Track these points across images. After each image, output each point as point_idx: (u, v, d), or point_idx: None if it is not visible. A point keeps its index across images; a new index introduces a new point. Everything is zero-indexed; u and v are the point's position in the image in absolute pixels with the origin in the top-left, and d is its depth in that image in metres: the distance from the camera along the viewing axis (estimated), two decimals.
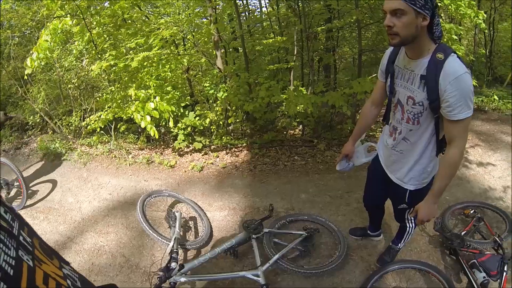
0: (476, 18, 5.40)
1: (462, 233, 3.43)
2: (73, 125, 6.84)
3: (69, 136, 6.79)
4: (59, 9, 5.13)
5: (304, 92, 5.96)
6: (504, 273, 2.78)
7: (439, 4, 6.18)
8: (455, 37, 5.41)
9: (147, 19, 6.26)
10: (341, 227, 3.71)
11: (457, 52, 1.85)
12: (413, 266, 2.94)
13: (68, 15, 5.13)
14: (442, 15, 9.85)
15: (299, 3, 6.94)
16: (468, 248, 3.16)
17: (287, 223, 3.81)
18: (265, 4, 9.66)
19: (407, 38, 1.79)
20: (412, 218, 2.69)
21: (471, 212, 3.76)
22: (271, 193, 4.60)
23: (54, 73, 7.08)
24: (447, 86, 1.77)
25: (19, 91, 7.24)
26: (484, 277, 2.76)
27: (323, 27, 6.61)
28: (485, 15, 5.63)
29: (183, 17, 6.61)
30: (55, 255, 0.84)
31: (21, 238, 0.69)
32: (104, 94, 6.19)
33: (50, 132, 7.04)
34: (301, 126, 6.73)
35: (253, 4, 8.78)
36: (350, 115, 6.25)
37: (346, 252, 3.34)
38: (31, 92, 7.22)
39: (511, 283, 2.87)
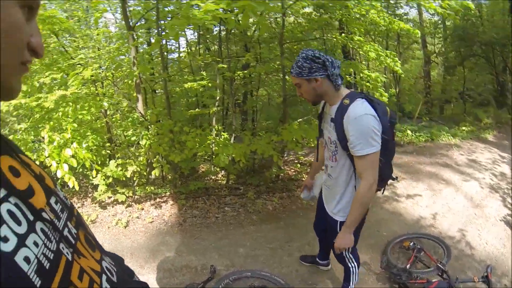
0: (394, 65, 6.13)
1: (407, 266, 3.58)
2: None
3: None
4: None
5: (226, 137, 5.96)
6: None
7: (361, 53, 6.93)
8: (379, 84, 6.06)
9: (65, 51, 5.64)
10: (287, 279, 3.59)
11: (370, 97, 2.18)
12: None
13: None
14: (363, 62, 11.02)
15: (222, 47, 7.03)
16: (416, 279, 3.31)
17: (231, 282, 3.57)
18: (185, 45, 9.55)
19: (314, 98, 2.25)
20: (352, 257, 2.78)
21: (411, 244, 3.97)
22: (207, 250, 4.30)
23: None
24: (348, 126, 2.07)
25: None
26: None
27: (246, 71, 6.72)
28: (399, 62, 6.43)
29: (103, 52, 6.13)
30: (98, 248, 0.83)
31: (65, 230, 0.69)
32: (11, 134, 5.34)
33: None
34: (223, 171, 6.57)
35: (171, 44, 8.51)
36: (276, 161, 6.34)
37: None
38: None
39: None
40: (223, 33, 6.85)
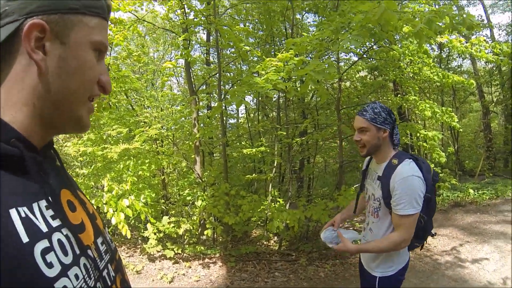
0: (451, 121, 5.84)
1: None
2: None
3: None
4: None
5: (282, 203, 5.84)
6: None
7: (416, 112, 6.75)
8: (436, 143, 5.76)
9: (132, 109, 6.04)
10: None
11: (416, 156, 2.22)
12: None
13: None
14: (419, 122, 10.68)
15: (281, 113, 7.14)
16: None
17: None
18: (244, 111, 9.85)
19: (373, 149, 2.22)
20: None
21: None
22: None
23: None
24: (395, 185, 2.08)
25: None
26: None
27: (303, 138, 6.69)
28: (456, 117, 6.14)
29: (166, 113, 6.50)
30: None
31: (105, 271, 0.71)
32: (74, 176, 5.57)
33: None
34: (276, 237, 6.36)
35: (231, 110, 8.85)
36: None
37: None
38: None
39: None
40: (282, 100, 7.02)
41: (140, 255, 5.37)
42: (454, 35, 5.51)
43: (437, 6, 6.17)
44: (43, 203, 0.59)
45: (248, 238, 6.53)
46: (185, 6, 5.67)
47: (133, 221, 5.27)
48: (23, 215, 0.54)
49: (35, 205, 0.57)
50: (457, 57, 12.11)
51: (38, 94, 0.61)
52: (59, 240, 0.58)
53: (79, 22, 0.62)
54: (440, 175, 6.65)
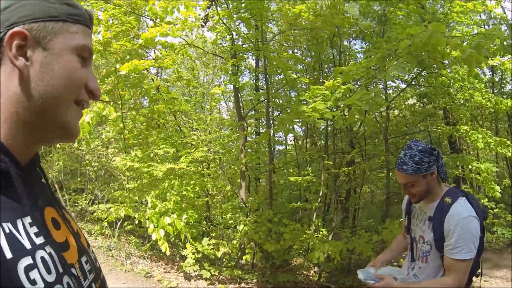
0: (506, 152, 5.52)
1: None
2: (80, 206, 6.57)
3: (72, 213, 6.34)
4: (104, 93, 5.22)
5: (325, 233, 5.76)
6: None
7: (468, 141, 6.37)
8: (489, 176, 5.45)
9: (180, 130, 6.28)
10: None
11: (466, 192, 2.04)
12: None
13: (112, 103, 5.16)
14: (471, 152, 10.02)
15: (328, 142, 7.05)
16: None
17: None
18: (292, 138, 9.87)
19: (424, 194, 2.04)
20: None
21: None
22: None
23: (78, 149, 6.95)
24: (450, 227, 1.92)
25: (41, 149, 7.02)
26: None
27: (350, 168, 6.53)
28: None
29: (213, 136, 6.69)
30: None
31: None
32: (119, 190, 6.00)
33: None
34: (316, 268, 6.18)
35: (278, 136, 8.91)
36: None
37: None
38: (51, 156, 7.10)
39: None
40: (330, 128, 6.96)
41: (176, 272, 5.44)
42: (506, 57, 5.20)
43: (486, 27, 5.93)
44: (27, 220, 0.59)
45: (288, 266, 6.39)
46: (233, 32, 5.87)
47: (173, 239, 5.34)
48: (7, 231, 0.54)
49: (19, 221, 0.58)
50: (511, 80, 11.26)
51: (22, 101, 0.61)
52: (42, 258, 0.58)
53: (60, 29, 0.64)
54: (495, 210, 6.20)
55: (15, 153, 0.61)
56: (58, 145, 5.55)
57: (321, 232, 5.92)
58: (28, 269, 0.54)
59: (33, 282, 0.54)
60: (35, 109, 0.63)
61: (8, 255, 0.52)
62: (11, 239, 0.54)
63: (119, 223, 5.92)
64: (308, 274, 6.18)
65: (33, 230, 0.60)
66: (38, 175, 0.72)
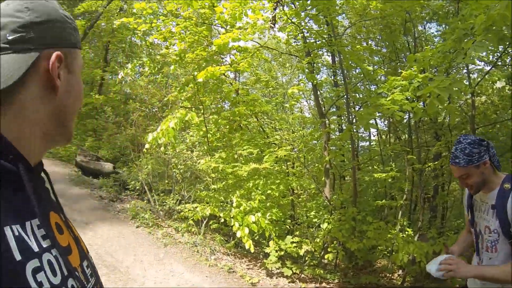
0: None
1: None
2: (168, 205, 6.96)
3: (160, 212, 6.90)
4: (185, 100, 5.49)
5: (410, 233, 5.53)
6: None
7: None
8: None
9: (262, 131, 6.44)
10: None
11: None
12: None
13: (193, 108, 5.43)
14: None
15: (412, 135, 6.70)
16: None
17: None
18: (376, 133, 9.53)
19: (481, 184, 2.09)
20: None
21: None
22: None
23: (165, 153, 7.48)
24: None
25: (132, 154, 8.06)
26: None
27: (436, 162, 6.14)
28: None
29: (296, 135, 6.74)
30: None
31: None
32: (205, 190, 6.29)
33: (145, 201, 7.30)
34: (401, 271, 5.91)
35: (362, 132, 8.66)
36: None
37: None
38: (140, 161, 7.73)
39: None
40: (413, 121, 6.62)
41: (259, 269, 5.58)
42: None
43: None
44: (35, 222, 0.63)
45: (371, 268, 6.24)
46: (304, 30, 5.83)
47: (257, 237, 5.48)
48: (16, 233, 0.57)
49: (27, 224, 0.61)
50: None
51: (50, 114, 0.70)
52: (49, 261, 0.62)
53: (76, 54, 0.77)
54: None
55: (28, 157, 0.66)
56: (144, 150, 6.01)
57: (406, 232, 5.69)
58: (35, 271, 0.57)
59: (40, 284, 0.57)
60: (58, 121, 0.72)
61: (18, 257, 0.55)
62: (20, 242, 0.57)
63: (204, 222, 6.21)
64: (392, 277, 5.97)
65: (40, 232, 0.63)
66: (42, 180, 0.78)
